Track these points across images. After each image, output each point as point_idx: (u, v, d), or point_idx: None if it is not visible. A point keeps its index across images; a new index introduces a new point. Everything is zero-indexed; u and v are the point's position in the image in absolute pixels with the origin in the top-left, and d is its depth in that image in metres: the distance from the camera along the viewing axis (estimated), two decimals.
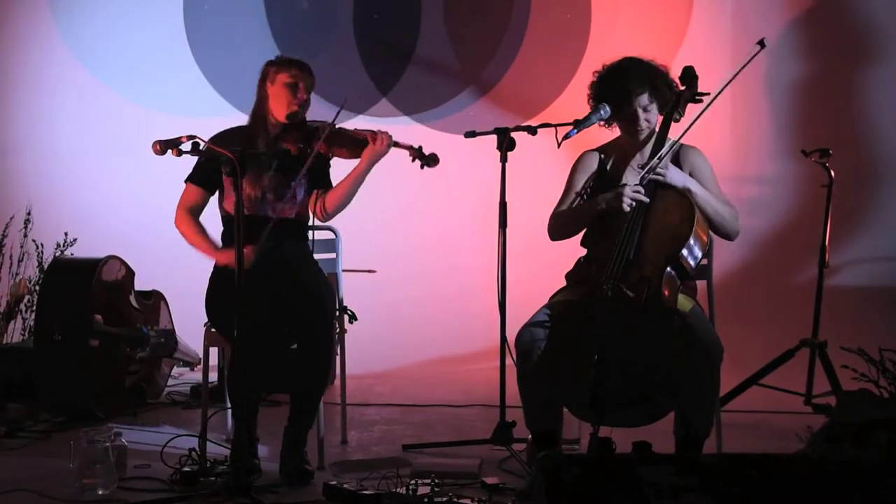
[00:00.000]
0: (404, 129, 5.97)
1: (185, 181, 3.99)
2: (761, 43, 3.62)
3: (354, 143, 3.89)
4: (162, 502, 3.47)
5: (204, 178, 3.96)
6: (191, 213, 3.96)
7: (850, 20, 5.87)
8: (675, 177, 3.66)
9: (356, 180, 3.91)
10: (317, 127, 3.91)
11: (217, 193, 3.99)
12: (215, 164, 3.74)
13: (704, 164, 3.80)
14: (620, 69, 3.77)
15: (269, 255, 3.79)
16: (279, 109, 3.90)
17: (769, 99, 5.93)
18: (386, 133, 3.88)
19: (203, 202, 3.99)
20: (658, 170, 3.62)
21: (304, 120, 3.95)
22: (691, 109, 3.74)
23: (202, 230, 3.96)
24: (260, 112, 3.96)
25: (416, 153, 3.88)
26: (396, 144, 3.89)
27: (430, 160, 3.88)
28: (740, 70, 3.63)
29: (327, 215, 3.98)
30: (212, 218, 4.01)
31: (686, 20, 5.87)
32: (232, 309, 3.54)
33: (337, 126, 3.87)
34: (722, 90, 3.64)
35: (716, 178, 3.79)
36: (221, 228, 3.99)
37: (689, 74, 3.74)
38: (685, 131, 3.68)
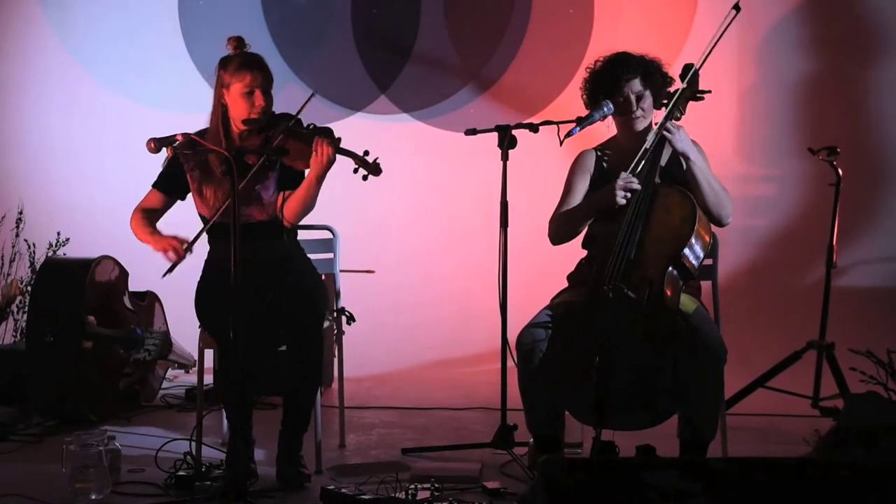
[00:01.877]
0: (404, 126, 5.96)
1: (151, 186, 3.92)
2: (736, 7, 3.60)
3: (306, 152, 3.67)
4: None
5: (166, 184, 3.89)
6: (144, 212, 3.88)
7: (858, 16, 5.83)
8: (682, 140, 3.62)
9: (309, 191, 3.73)
10: (274, 130, 3.74)
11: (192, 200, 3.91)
12: (178, 168, 3.76)
13: (699, 151, 3.73)
14: (610, 60, 3.78)
15: (259, 256, 3.75)
16: (239, 116, 3.77)
17: (775, 96, 5.89)
18: (326, 143, 3.63)
19: (163, 207, 3.92)
20: (669, 127, 3.59)
21: (271, 115, 3.80)
22: (692, 108, 3.72)
23: (149, 225, 3.85)
24: (217, 118, 3.81)
25: (361, 162, 3.65)
26: (340, 151, 3.66)
27: (373, 169, 3.65)
28: (719, 37, 3.63)
29: (289, 223, 3.84)
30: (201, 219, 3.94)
31: (691, 15, 5.82)
32: (221, 310, 3.49)
33: (292, 124, 3.71)
34: (703, 61, 3.65)
35: (710, 167, 3.73)
36: (206, 236, 3.89)
37: (689, 72, 3.70)
38: (668, 111, 3.64)
